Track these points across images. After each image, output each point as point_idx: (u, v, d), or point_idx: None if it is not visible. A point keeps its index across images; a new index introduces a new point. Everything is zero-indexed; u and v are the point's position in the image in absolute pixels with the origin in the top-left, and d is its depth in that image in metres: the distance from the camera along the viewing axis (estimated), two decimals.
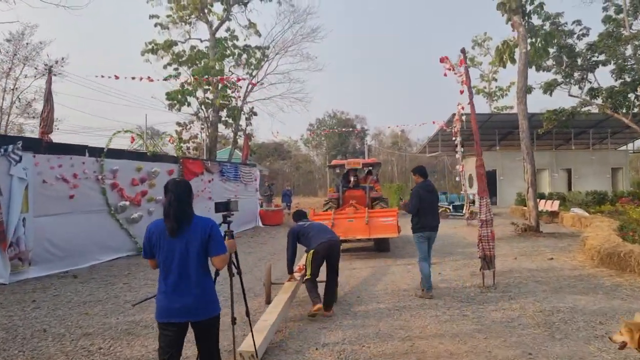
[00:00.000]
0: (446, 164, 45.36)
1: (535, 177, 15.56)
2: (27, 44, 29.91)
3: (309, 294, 6.30)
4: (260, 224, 20.66)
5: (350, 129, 51.88)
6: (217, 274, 3.90)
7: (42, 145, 10.13)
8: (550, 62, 21.10)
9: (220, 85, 22.01)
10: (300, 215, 7.29)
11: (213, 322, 3.46)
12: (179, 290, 3.29)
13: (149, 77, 14.09)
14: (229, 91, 24.31)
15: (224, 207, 4.34)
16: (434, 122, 23.69)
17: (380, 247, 12.10)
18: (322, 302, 6.24)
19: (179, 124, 21.94)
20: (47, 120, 10.30)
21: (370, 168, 14.26)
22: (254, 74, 24.05)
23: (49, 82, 10.76)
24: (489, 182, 29.24)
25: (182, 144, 21.72)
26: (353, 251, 13.37)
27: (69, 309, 6.98)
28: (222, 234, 3.74)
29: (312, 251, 6.27)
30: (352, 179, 13.25)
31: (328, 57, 70.04)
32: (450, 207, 22.69)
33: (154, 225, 3.45)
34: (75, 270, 10.21)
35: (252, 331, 4.77)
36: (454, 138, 19.48)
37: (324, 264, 6.49)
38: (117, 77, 13.43)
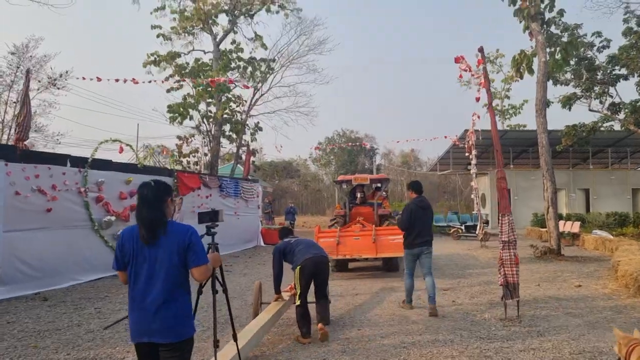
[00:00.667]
0: (458, 183, 44.16)
1: (556, 196, 14.41)
2: (31, 56, 29.45)
3: (297, 323, 5.84)
4: (262, 243, 19.63)
5: (359, 145, 50.77)
6: (199, 291, 3.73)
7: (16, 153, 9.25)
8: (568, 76, 20.09)
9: (223, 98, 21.25)
10: (285, 232, 6.84)
11: (182, 346, 2.99)
12: (148, 306, 2.91)
13: (133, 79, 13.27)
14: (233, 105, 23.60)
15: (208, 217, 4.08)
16: (446, 137, 22.70)
17: (389, 266, 11.51)
18: (309, 336, 5.79)
19: (179, 137, 21.13)
20: (23, 126, 9.44)
21: (379, 184, 13.62)
22: (258, 87, 23.25)
23: (26, 85, 9.96)
24: None
25: (182, 158, 20.91)
26: (359, 270, 12.54)
27: (17, 340, 5.96)
28: (206, 247, 3.43)
29: (298, 267, 5.84)
30: (359, 195, 12.66)
31: (337, 74, 69.53)
32: (463, 227, 21.49)
33: (128, 231, 3.07)
34: (49, 292, 9.23)
35: (239, 356, 4.32)
36: (467, 154, 18.42)
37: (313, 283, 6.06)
38: (99, 79, 12.63)
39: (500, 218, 7.01)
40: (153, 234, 2.94)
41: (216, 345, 4.01)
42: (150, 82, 14.53)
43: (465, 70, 7.89)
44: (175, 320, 2.95)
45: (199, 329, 6.58)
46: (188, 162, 20.21)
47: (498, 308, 7.50)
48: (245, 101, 23.95)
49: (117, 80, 12.81)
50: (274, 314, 6.02)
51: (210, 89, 20.00)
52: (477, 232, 19.65)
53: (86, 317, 7.32)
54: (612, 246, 15.08)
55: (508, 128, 40.37)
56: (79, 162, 10.64)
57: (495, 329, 6.38)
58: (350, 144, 48.12)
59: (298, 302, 5.78)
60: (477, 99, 9.22)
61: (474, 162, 17.15)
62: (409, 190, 7.70)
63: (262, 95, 23.74)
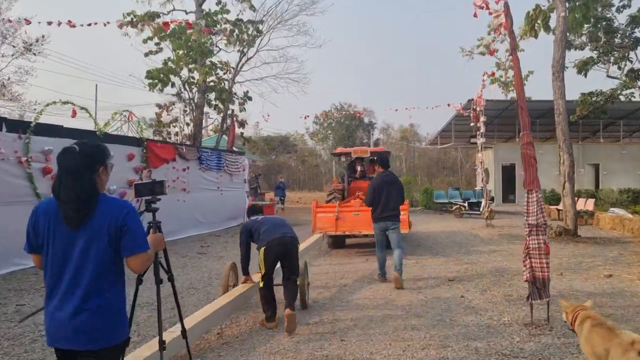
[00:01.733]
0: (460, 156, 42.51)
1: (574, 171, 12.83)
2: (3, 19, 27.44)
3: (262, 306, 5.54)
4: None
5: (356, 115, 49.00)
6: (138, 281, 3.36)
7: None
8: (584, 39, 18.27)
9: (207, 62, 19.45)
10: (254, 210, 6.33)
11: (111, 353, 2.37)
12: (67, 304, 2.26)
13: (105, 23, 11.70)
14: (220, 72, 21.83)
15: (147, 189, 3.55)
16: (449, 105, 20.87)
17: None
18: (274, 320, 5.46)
19: (159, 105, 19.40)
20: None
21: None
22: (245, 51, 21.40)
23: None
24: (507, 178, 26.34)
25: (161, 128, 19.23)
26: (357, 247, 11.64)
27: None
28: (146, 227, 2.85)
29: (263, 248, 5.44)
30: (358, 168, 12.23)
31: (334, 47, 67.07)
32: (466, 204, 19.92)
33: (44, 206, 2.41)
34: None
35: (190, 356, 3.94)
36: (472, 123, 16.74)
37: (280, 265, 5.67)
38: (72, 25, 10.98)
39: (527, 195, 5.44)
40: (80, 215, 2.31)
41: (162, 347, 3.42)
42: (147, 55, 12.75)
43: (482, 8, 6.21)
44: (103, 322, 2.33)
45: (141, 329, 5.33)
46: (168, 133, 18.56)
47: (517, 306, 6.04)
48: (233, 68, 22.18)
49: (89, 25, 11.19)
50: (236, 297, 5.72)
51: (191, 52, 18.22)
52: (481, 210, 18.15)
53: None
54: (632, 226, 13.62)
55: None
56: (18, 127, 9.01)
57: (519, 340, 4.86)
58: (343, 112, 46.10)
59: (261, 284, 5.46)
60: (492, 53, 7.50)
61: (482, 130, 15.43)
62: (376, 164, 7.72)
63: (248, 59, 21.89)
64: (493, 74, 15.25)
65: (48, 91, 59.11)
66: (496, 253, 10.57)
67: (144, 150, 12.19)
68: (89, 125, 10.75)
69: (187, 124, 20.23)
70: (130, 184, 11.20)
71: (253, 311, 6.03)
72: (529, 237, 5.37)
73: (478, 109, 15.37)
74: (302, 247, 8.62)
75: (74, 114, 10.04)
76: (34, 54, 27.14)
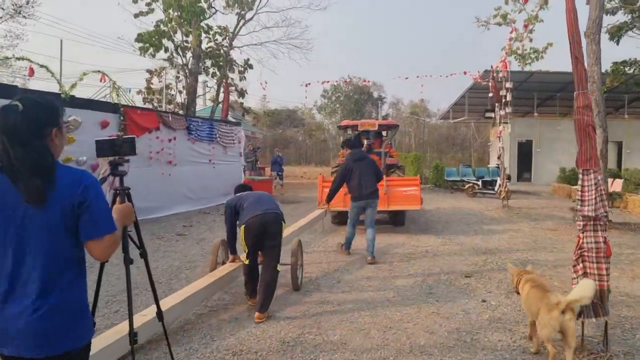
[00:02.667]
0: (472, 132, 40.75)
1: (607, 147, 11.34)
2: None
3: (245, 283, 5.28)
4: None
5: (364, 88, 47.24)
6: (101, 269, 2.72)
7: None
8: (615, 3, 16.47)
9: (202, 24, 17.90)
10: (241, 187, 5.87)
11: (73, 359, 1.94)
12: (15, 301, 1.85)
13: None
14: (219, 38, 20.31)
15: (109, 147, 2.81)
16: (465, 73, 19.10)
17: (396, 220, 10.77)
18: (256, 296, 5.03)
19: (149, 71, 17.94)
20: None
21: (386, 132, 12.72)
22: (243, 13, 19.77)
23: None
24: (523, 156, 24.71)
25: (151, 96, 17.83)
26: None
27: None
28: (109, 198, 2.47)
29: (242, 227, 5.04)
30: (365, 142, 11.19)
31: (343, 19, 64.90)
32: (479, 183, 18.42)
33: None
34: None
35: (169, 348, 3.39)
36: (490, 93, 15.14)
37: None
38: None
39: (582, 177, 4.03)
40: (37, 189, 1.80)
41: (133, 340, 2.74)
42: (136, 16, 11.18)
43: None
44: (61, 322, 1.87)
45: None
46: (159, 101, 17.15)
47: None
48: (232, 32, 20.62)
49: None
50: (221, 277, 5.20)
51: (183, 13, 16.69)
52: (496, 189, 16.71)
53: None
54: None
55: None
56: None
57: None
58: (348, 80, 44.06)
59: (246, 261, 5.14)
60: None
61: (508, 97, 13.75)
62: (343, 149, 7.68)
63: (246, 22, 20.24)
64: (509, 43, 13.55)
65: (39, 56, 57.51)
66: (517, 240, 9.22)
67: (121, 118, 10.83)
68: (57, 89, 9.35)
69: (180, 92, 18.77)
70: None
71: (241, 289, 5.48)
72: (582, 233, 3.98)
73: (501, 74, 13.74)
74: (302, 222, 7.89)
75: (31, 73, 8.66)
76: (24, 17, 25.79)
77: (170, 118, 12.68)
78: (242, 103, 22.07)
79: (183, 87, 18.42)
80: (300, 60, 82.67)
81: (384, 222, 10.80)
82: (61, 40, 17.64)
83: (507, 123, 25.08)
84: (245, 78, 21.59)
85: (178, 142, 13.09)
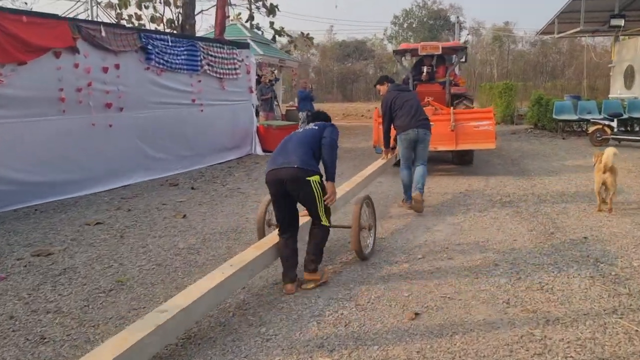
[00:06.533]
0: (565, 50, 33.03)
1: None
2: None
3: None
4: (259, 151, 11.89)
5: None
6: None
7: None
8: None
9: None
10: (317, 116, 4.54)
11: None
12: None
13: None
14: None
15: None
16: None
17: (462, 160, 9.71)
18: (290, 281, 3.85)
19: None
20: None
21: (452, 57, 10.81)
22: None
23: None
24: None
25: (123, 9, 13.18)
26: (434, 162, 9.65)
27: None
28: None
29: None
30: (424, 69, 10.18)
31: None
32: (614, 123, 12.17)
33: None
34: None
35: None
36: None
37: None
38: None
39: None
40: None
41: None
42: None
43: None
44: None
45: None
46: (139, 17, 12.46)
47: None
48: None
49: None
50: (258, 256, 3.70)
51: None
52: None
53: None
54: None
55: None
56: None
57: None
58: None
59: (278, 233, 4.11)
60: None
61: None
62: (378, 85, 6.74)
63: None
64: None
65: None
66: None
67: None
68: None
69: (168, 3, 13.83)
70: None
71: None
72: None
73: None
74: (368, 171, 6.36)
75: None
76: None
77: (102, 33, 7.74)
78: (272, 22, 16.93)
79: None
80: None
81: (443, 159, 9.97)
82: None
83: (638, 35, 18.16)
84: None
85: (124, 71, 8.32)
